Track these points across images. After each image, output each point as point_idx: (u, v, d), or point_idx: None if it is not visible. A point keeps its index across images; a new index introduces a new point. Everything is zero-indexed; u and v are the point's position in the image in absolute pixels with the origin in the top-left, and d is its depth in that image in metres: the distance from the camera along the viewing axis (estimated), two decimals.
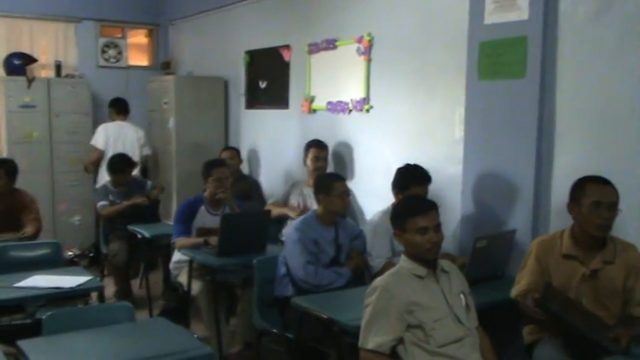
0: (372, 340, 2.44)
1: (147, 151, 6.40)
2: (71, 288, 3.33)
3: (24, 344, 2.48)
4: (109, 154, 5.83)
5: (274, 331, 3.52)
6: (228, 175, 4.45)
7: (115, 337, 2.63)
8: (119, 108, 6.40)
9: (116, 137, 6.16)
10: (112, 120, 6.40)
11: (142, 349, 2.49)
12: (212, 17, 6.52)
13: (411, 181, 3.69)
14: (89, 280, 3.50)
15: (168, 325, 2.77)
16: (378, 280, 2.56)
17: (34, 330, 2.72)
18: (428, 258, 2.54)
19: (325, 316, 2.90)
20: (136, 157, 6.03)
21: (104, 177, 5.75)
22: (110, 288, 5.27)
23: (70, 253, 6.43)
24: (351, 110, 4.78)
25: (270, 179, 5.81)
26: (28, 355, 2.36)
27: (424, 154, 4.08)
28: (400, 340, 2.45)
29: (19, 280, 3.40)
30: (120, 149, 5.90)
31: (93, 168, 6.32)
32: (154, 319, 3.09)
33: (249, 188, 5.59)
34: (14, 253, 3.98)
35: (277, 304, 3.61)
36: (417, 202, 2.75)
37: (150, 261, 5.58)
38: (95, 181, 6.23)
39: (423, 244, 2.50)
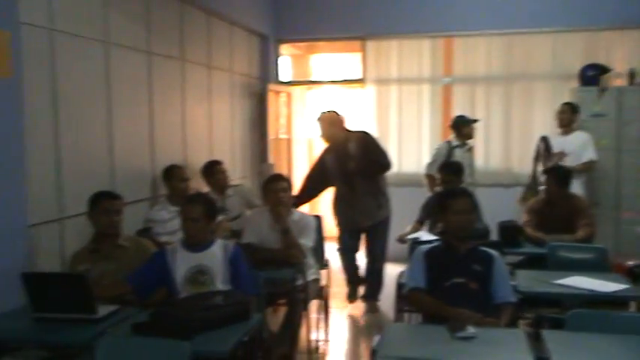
0: None
1: None
2: (605, 293, 3.43)
3: (547, 334, 2.76)
4: None
5: None
6: None
7: (633, 347, 2.63)
8: None
9: None
10: None
11: None
12: None
13: None
14: (626, 288, 3.51)
15: None
16: None
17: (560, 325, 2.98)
18: None
19: None
20: None
21: None
22: None
23: (631, 263, 6.37)
24: None
25: None
26: (547, 344, 2.62)
27: None
28: None
29: (561, 278, 3.69)
30: None
31: None
32: None
33: None
34: (563, 254, 4.30)
35: None
36: None
37: None
38: None
39: None
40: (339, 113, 5.50)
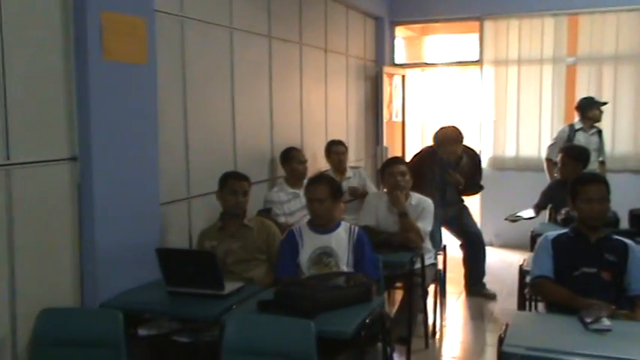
0: None
1: None
2: None
3: None
4: None
5: None
6: None
7: None
8: None
9: None
10: None
11: None
12: None
13: None
14: None
15: None
16: None
17: None
18: None
19: None
20: None
21: None
22: None
23: None
24: None
25: None
26: None
27: None
28: None
29: None
30: None
31: None
32: None
33: None
34: None
35: None
36: None
37: None
38: None
39: None
40: (459, 128, 5.29)
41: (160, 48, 3.60)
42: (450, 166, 5.18)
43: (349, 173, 5.45)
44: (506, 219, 5.15)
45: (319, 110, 5.99)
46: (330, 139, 5.78)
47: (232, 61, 4.52)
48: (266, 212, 4.52)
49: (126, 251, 3.31)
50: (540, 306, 3.90)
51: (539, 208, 5.17)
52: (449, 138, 5.19)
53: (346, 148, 5.52)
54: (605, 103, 6.02)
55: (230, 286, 3.19)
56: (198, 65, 4.13)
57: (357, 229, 3.53)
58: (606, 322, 2.60)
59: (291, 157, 4.88)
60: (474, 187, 5.38)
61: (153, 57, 3.45)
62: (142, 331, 3.09)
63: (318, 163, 5.69)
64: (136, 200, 3.38)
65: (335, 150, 5.42)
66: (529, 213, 5.07)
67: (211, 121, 4.33)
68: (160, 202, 3.63)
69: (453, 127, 5.31)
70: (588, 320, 2.62)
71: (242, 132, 4.64)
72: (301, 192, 4.74)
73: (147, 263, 3.32)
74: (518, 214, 5.07)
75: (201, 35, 4.16)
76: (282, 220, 4.54)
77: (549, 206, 5.11)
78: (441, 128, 5.32)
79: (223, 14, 4.42)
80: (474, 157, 5.39)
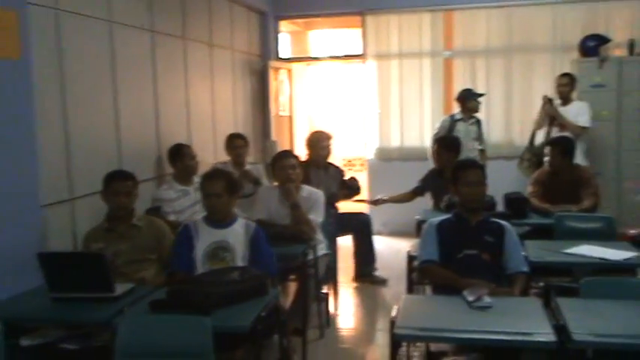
0: None
1: None
2: (616, 261, 3.48)
3: (561, 301, 2.81)
4: None
5: None
6: None
7: None
8: None
9: None
10: None
11: None
12: None
13: None
14: (636, 256, 3.56)
15: None
16: None
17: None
18: None
19: None
20: None
21: None
22: None
23: (633, 231, 6.41)
24: None
25: None
26: (562, 311, 2.66)
27: None
28: None
29: (570, 248, 3.73)
30: None
31: None
32: None
33: None
34: (570, 224, 4.34)
35: None
36: None
37: None
38: None
39: None
40: (328, 132, 5.54)
41: (35, 42, 3.41)
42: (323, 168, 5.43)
43: (248, 168, 5.45)
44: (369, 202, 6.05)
45: (206, 106, 5.91)
46: (218, 134, 5.73)
47: (113, 55, 4.36)
48: (155, 211, 4.40)
49: (4, 257, 3.13)
50: (428, 289, 4.08)
51: (415, 193, 5.47)
52: (319, 137, 5.43)
53: (246, 142, 5.53)
54: (482, 95, 6.37)
55: (120, 288, 3.09)
56: (77, 60, 3.95)
57: (254, 224, 3.53)
58: (487, 299, 2.77)
59: (183, 154, 4.78)
60: (352, 190, 5.54)
61: (27, 52, 3.27)
62: (25, 341, 2.92)
63: (206, 159, 5.61)
64: (13, 203, 3.20)
65: (234, 144, 5.44)
66: (379, 195, 5.80)
67: (93, 118, 4.15)
68: (40, 205, 3.45)
69: (322, 131, 5.62)
70: (471, 299, 2.78)
71: (126, 129, 4.50)
72: (191, 189, 4.68)
73: (28, 269, 3.15)
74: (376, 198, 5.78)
75: (78, 29, 3.98)
76: (172, 218, 4.44)
77: (426, 193, 5.37)
78: (311, 132, 5.64)
79: (101, 7, 4.25)
80: (338, 168, 5.63)
